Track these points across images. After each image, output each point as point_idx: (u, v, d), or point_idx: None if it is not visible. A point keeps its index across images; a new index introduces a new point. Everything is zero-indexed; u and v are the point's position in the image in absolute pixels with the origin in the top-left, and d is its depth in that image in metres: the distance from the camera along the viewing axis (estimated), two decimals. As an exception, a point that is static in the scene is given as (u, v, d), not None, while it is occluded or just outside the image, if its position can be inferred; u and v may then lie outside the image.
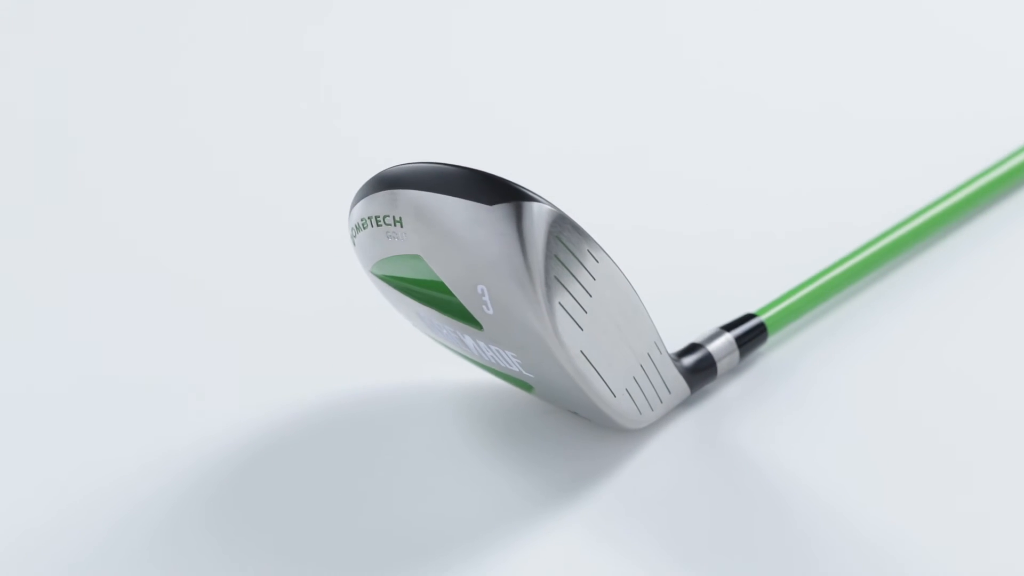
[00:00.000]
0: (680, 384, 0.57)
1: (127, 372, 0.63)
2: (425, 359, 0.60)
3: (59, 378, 0.62)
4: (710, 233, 0.70)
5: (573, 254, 0.51)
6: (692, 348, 0.58)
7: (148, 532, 0.54)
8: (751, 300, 0.61)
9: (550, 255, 0.50)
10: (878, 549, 0.52)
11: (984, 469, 0.55)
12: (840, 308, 0.63)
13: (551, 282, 0.50)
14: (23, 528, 0.55)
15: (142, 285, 0.69)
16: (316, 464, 0.57)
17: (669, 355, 0.56)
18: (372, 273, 0.55)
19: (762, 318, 0.60)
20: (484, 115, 0.82)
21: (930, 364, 0.60)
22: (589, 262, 0.51)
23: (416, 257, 0.52)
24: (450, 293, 0.52)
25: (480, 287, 0.51)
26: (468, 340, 0.54)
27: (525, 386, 0.56)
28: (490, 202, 0.50)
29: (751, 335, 0.59)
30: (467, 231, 0.50)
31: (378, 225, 0.52)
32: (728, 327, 0.59)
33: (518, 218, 0.50)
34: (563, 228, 0.50)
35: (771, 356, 0.61)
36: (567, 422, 0.57)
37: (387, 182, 0.52)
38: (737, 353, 0.59)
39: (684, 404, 0.58)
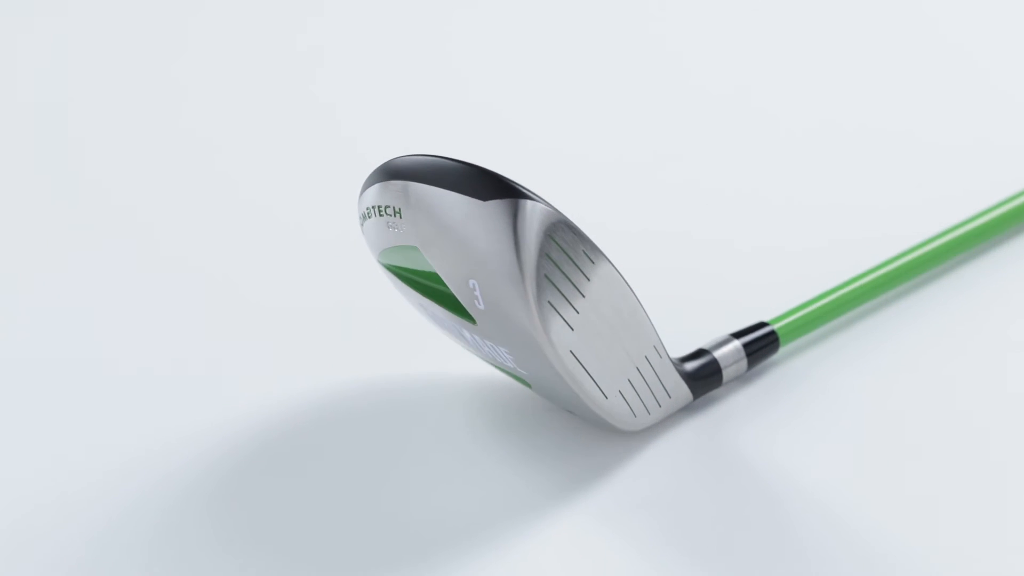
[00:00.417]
0: (682, 389, 0.56)
1: (127, 365, 0.63)
2: (425, 355, 0.61)
3: (59, 374, 0.63)
4: (728, 240, 0.70)
5: (567, 254, 0.51)
6: (698, 353, 0.58)
7: (148, 531, 0.54)
8: (772, 309, 0.60)
9: (542, 254, 0.50)
10: (882, 558, 0.51)
11: (991, 482, 0.54)
12: (855, 322, 0.62)
13: (541, 280, 0.50)
14: (21, 516, 0.55)
15: (144, 280, 0.69)
16: (316, 460, 0.57)
17: (671, 359, 0.55)
18: (379, 262, 0.56)
19: (774, 327, 0.59)
20: (497, 117, 0.82)
21: (939, 380, 0.59)
22: (584, 263, 0.51)
23: (414, 248, 0.52)
24: (446, 286, 0.53)
25: (472, 281, 0.51)
26: (466, 334, 0.55)
27: (524, 382, 0.56)
28: (485, 198, 0.50)
29: (761, 343, 0.58)
30: (461, 225, 0.50)
31: (380, 215, 0.53)
32: (738, 334, 0.58)
33: (512, 215, 0.50)
34: (557, 228, 0.50)
35: (782, 365, 0.60)
36: (567, 422, 0.57)
37: (390, 172, 0.52)
38: (745, 361, 0.58)
39: (687, 409, 0.57)
